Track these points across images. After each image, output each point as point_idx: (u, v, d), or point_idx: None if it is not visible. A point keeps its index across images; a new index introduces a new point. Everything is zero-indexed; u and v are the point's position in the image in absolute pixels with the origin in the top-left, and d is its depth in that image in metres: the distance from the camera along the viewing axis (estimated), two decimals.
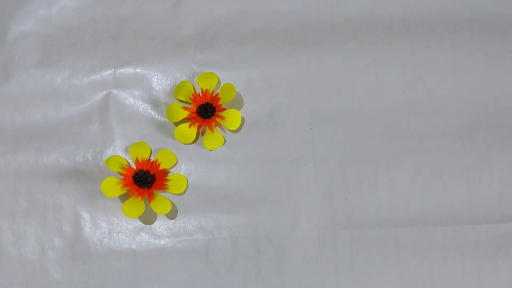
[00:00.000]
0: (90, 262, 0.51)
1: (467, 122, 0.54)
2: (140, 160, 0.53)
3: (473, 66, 0.55)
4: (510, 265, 0.51)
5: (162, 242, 0.52)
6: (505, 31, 0.56)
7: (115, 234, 0.52)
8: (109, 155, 0.53)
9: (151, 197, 0.52)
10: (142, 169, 0.52)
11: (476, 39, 0.56)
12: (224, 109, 0.54)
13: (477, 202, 0.52)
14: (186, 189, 0.53)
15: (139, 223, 0.52)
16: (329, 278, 0.51)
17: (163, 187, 0.52)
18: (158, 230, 0.52)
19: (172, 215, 0.53)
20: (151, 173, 0.52)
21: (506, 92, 0.55)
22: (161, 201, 0.52)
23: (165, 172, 0.53)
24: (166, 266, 0.52)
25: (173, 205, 0.52)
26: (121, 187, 0.51)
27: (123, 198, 0.52)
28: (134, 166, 0.53)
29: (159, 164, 0.53)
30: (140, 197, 0.51)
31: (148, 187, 0.52)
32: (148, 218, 0.52)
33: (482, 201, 0.52)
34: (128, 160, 0.53)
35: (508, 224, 0.51)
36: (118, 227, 0.53)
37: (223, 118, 0.54)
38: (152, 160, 0.53)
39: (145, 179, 0.52)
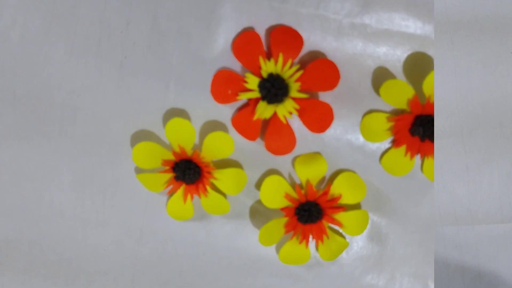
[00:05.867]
0: None
1: (467, 122, 0.54)
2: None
3: (473, 66, 0.55)
4: (510, 265, 0.51)
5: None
6: (505, 31, 0.56)
7: None
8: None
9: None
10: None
11: (476, 39, 0.56)
12: None
13: (477, 202, 0.52)
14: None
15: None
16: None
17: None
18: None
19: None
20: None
21: (506, 92, 0.55)
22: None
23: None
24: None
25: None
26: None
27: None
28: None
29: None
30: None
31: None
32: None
33: (482, 201, 0.52)
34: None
35: (508, 224, 0.51)
36: None
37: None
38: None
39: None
